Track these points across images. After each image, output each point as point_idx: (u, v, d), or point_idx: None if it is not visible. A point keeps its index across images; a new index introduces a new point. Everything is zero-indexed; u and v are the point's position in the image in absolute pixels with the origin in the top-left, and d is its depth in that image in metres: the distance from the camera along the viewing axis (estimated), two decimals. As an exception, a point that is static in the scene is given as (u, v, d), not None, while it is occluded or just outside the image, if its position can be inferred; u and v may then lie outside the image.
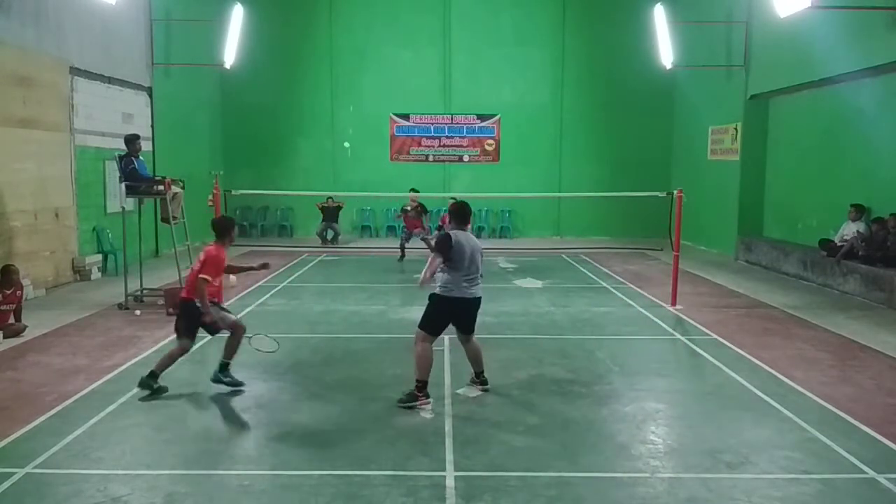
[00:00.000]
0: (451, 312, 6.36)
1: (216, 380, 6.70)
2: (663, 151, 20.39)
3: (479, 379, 6.74)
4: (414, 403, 6.16)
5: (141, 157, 10.72)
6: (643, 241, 18.33)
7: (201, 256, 6.70)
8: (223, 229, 6.90)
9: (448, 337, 8.53)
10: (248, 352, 8.26)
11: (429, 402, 6.21)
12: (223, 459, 5.22)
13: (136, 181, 10.36)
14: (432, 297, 6.37)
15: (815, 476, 4.97)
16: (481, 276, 6.48)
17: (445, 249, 6.23)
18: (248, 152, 20.41)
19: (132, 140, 10.63)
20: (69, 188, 12.60)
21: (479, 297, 6.47)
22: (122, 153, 10.56)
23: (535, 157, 20.65)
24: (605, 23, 20.23)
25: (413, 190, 15.47)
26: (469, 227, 6.61)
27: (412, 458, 5.21)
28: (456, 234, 6.33)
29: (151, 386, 6.51)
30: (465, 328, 6.58)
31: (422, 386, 6.25)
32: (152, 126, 15.75)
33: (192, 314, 6.60)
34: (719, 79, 17.00)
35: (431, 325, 6.34)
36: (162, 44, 16.29)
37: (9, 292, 8.79)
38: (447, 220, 13.49)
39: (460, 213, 6.59)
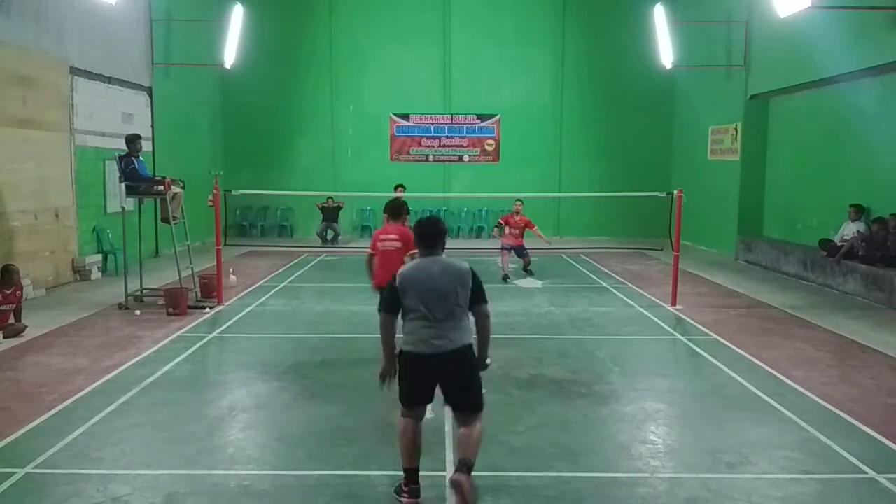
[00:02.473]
0: (418, 375, 4.46)
1: None
2: (663, 151, 20.38)
3: (464, 467, 4.37)
4: (398, 498, 4.52)
5: (141, 158, 10.73)
6: (643, 241, 18.33)
7: (395, 235, 7.36)
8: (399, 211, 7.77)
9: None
10: (248, 352, 8.29)
11: (416, 501, 4.48)
12: (223, 459, 5.22)
13: (136, 181, 10.36)
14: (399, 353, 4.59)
15: (815, 476, 4.97)
16: (482, 309, 4.52)
17: (391, 305, 4.51)
18: (248, 152, 20.41)
19: (133, 140, 10.64)
20: (69, 188, 12.59)
21: (457, 351, 4.39)
22: (123, 153, 10.57)
23: (535, 157, 20.63)
24: (605, 23, 20.23)
25: (401, 187, 13.76)
26: (441, 249, 4.62)
27: (412, 458, 5.19)
28: (405, 276, 4.50)
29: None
30: (451, 400, 4.52)
31: (408, 476, 4.51)
32: (152, 126, 15.75)
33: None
34: (719, 79, 16.99)
35: (402, 393, 4.55)
36: (162, 44, 16.30)
37: (9, 292, 8.79)
38: (510, 219, 13.39)
39: (426, 233, 4.63)
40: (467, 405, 4.47)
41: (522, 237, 13.44)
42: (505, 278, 13.20)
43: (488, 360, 4.64)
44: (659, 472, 5.06)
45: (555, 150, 20.72)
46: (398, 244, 7.29)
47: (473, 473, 4.43)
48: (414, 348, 4.43)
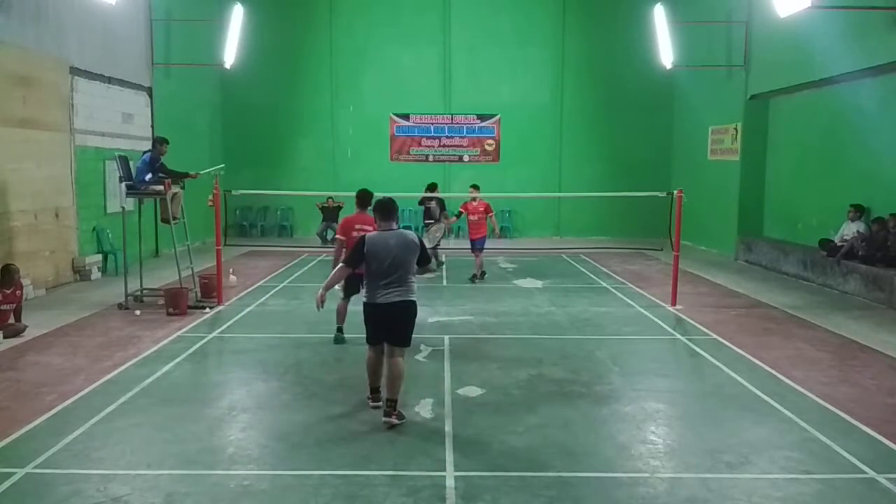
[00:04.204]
0: (372, 319, 5.95)
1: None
2: (663, 151, 20.39)
3: (391, 408, 5.88)
4: (370, 406, 6.22)
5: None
6: (643, 241, 18.31)
7: (371, 227, 7.34)
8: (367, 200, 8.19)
9: (448, 337, 8.59)
10: (248, 352, 8.29)
11: (378, 405, 6.09)
12: (223, 459, 5.22)
13: (168, 175, 10.49)
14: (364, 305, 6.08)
15: (815, 476, 4.97)
16: (436, 266, 5.99)
17: (354, 261, 5.95)
18: (248, 152, 20.39)
19: (162, 142, 10.81)
20: (69, 188, 12.59)
21: (400, 303, 5.83)
22: (129, 153, 10.60)
23: (535, 157, 20.64)
24: (605, 23, 20.24)
25: (434, 186, 13.67)
26: (395, 223, 6.08)
27: (412, 458, 5.21)
28: (372, 239, 5.87)
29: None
30: (388, 338, 5.98)
31: (373, 391, 6.27)
32: (152, 126, 15.75)
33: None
34: (719, 79, 17.00)
35: (368, 334, 6.09)
36: (162, 44, 16.29)
37: (9, 292, 8.79)
38: (468, 206, 13.16)
39: (385, 210, 6.01)
40: (401, 342, 5.95)
41: (485, 226, 12.80)
42: (473, 278, 12.85)
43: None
44: (659, 472, 5.06)
45: (555, 150, 20.73)
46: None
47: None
48: (375, 300, 5.84)
